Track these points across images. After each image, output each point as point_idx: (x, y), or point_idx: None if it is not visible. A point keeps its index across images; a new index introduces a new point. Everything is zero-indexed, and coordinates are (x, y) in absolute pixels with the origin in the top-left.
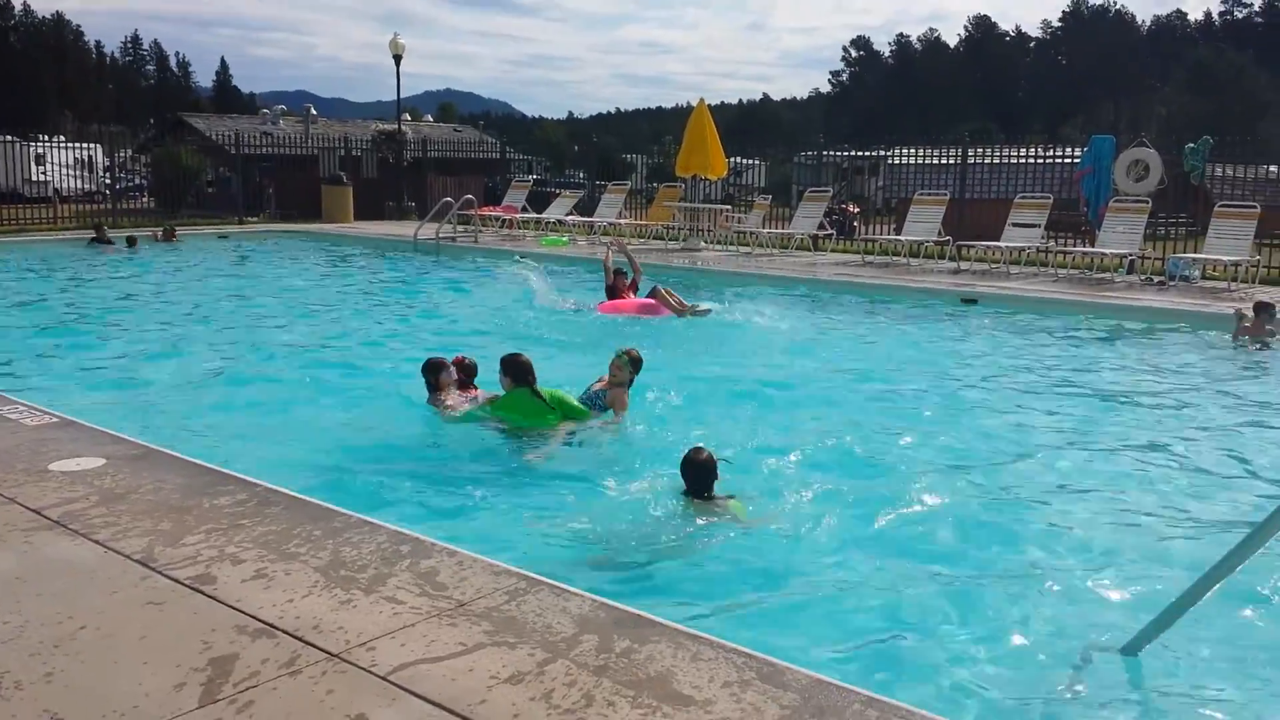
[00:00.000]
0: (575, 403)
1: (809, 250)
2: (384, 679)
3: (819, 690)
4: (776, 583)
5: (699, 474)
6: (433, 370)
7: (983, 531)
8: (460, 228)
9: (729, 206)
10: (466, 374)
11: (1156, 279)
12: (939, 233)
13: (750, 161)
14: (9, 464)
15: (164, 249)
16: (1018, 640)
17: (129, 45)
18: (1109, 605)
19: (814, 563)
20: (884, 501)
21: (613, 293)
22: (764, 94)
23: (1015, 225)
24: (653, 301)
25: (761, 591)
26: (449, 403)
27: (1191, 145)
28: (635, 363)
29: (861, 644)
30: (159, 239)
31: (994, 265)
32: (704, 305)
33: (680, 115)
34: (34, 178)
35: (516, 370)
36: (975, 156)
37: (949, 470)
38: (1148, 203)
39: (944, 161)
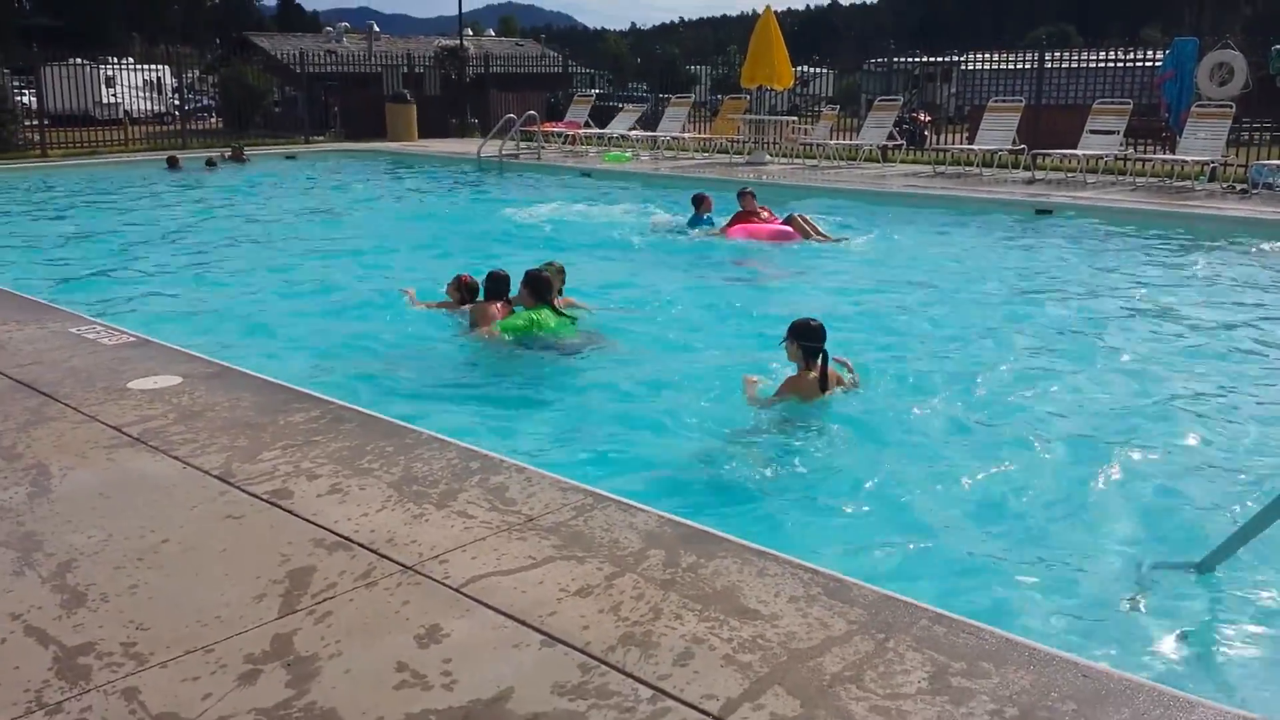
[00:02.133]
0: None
1: (878, 162)
2: (457, 591)
3: (886, 606)
4: (843, 497)
5: (817, 335)
6: (503, 283)
7: (1053, 446)
8: (523, 144)
9: (795, 118)
10: (471, 294)
11: (1239, 187)
12: (1013, 141)
13: (817, 70)
14: (89, 383)
15: (233, 170)
16: (1089, 556)
17: None
18: (1182, 522)
19: (879, 478)
20: (953, 416)
21: (744, 216)
22: None
23: (1093, 132)
24: (789, 229)
25: (829, 507)
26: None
27: (1278, 47)
28: (561, 272)
29: (929, 559)
30: (227, 158)
31: (1070, 174)
32: (844, 234)
33: (745, 23)
34: (104, 100)
35: (539, 286)
36: (1052, 61)
37: (1019, 385)
38: (1231, 107)
39: (1019, 67)
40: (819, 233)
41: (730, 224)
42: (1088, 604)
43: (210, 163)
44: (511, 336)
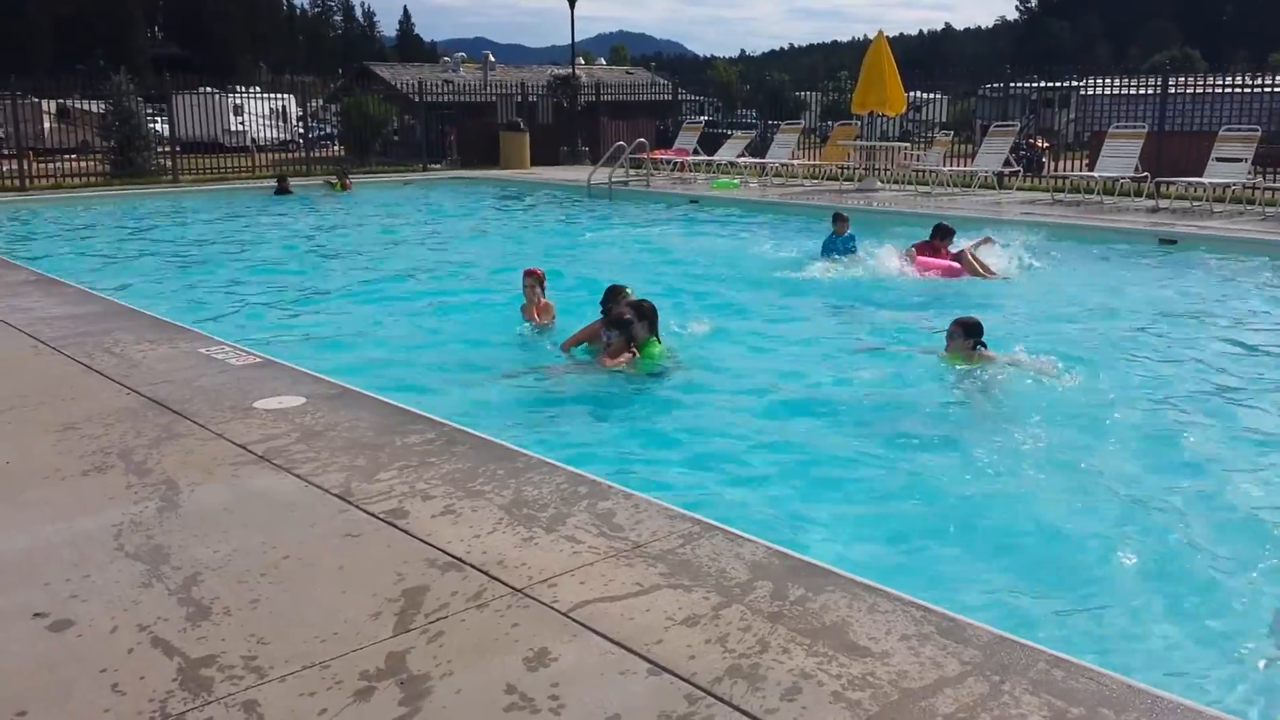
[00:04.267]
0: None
1: (993, 189)
2: (565, 615)
3: (1002, 647)
4: (959, 533)
5: (977, 327)
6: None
7: (1183, 487)
8: (632, 171)
9: (907, 144)
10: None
11: None
12: (1136, 169)
13: (930, 96)
14: (217, 401)
15: (342, 196)
16: (1222, 601)
17: None
18: None
19: (998, 515)
20: (1074, 456)
21: (926, 249)
22: (946, 24)
23: (1219, 160)
24: (958, 265)
25: (944, 543)
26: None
27: None
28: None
29: (1048, 600)
30: (334, 186)
31: (1195, 203)
32: (1012, 274)
33: (855, 49)
34: (232, 128)
35: (654, 317)
36: (1176, 86)
37: (1152, 425)
38: None
39: (1141, 92)
40: (988, 270)
41: (918, 250)
42: (1218, 651)
43: (330, 185)
44: (639, 369)
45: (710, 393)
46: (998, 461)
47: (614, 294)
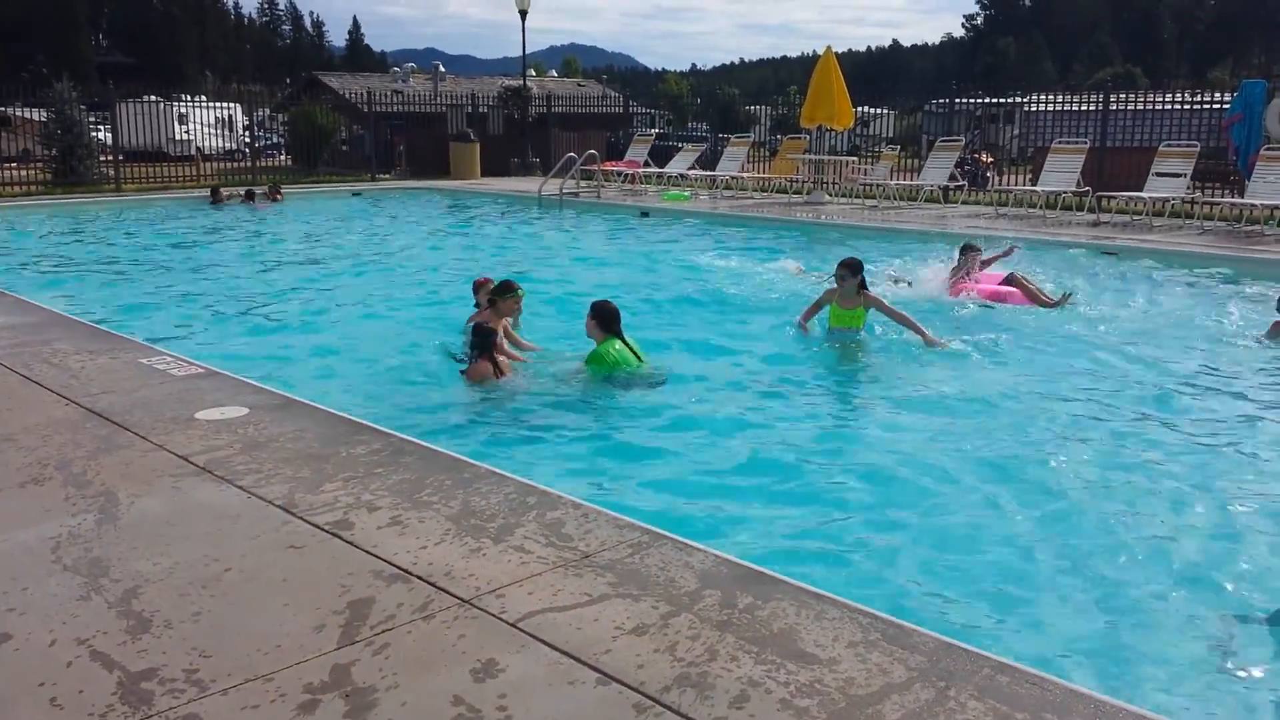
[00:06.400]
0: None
1: (939, 202)
2: (513, 626)
3: (947, 653)
4: (905, 542)
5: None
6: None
7: (1127, 494)
8: (583, 183)
9: (855, 158)
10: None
11: None
12: (1078, 183)
13: (878, 111)
14: (158, 412)
15: (274, 207)
16: (1163, 606)
17: (266, 6)
18: (1264, 572)
19: (942, 523)
20: (1024, 465)
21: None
22: (894, 40)
23: (1159, 175)
24: (1009, 289)
25: (890, 551)
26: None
27: None
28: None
29: (993, 606)
30: (268, 197)
31: (1136, 217)
32: (1074, 295)
33: (805, 64)
34: (178, 137)
35: (609, 318)
36: (1117, 103)
37: (1095, 433)
38: None
39: (1084, 108)
40: (1041, 293)
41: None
42: (1161, 656)
43: (249, 196)
44: (596, 373)
45: (661, 401)
46: (941, 463)
47: (475, 288)
